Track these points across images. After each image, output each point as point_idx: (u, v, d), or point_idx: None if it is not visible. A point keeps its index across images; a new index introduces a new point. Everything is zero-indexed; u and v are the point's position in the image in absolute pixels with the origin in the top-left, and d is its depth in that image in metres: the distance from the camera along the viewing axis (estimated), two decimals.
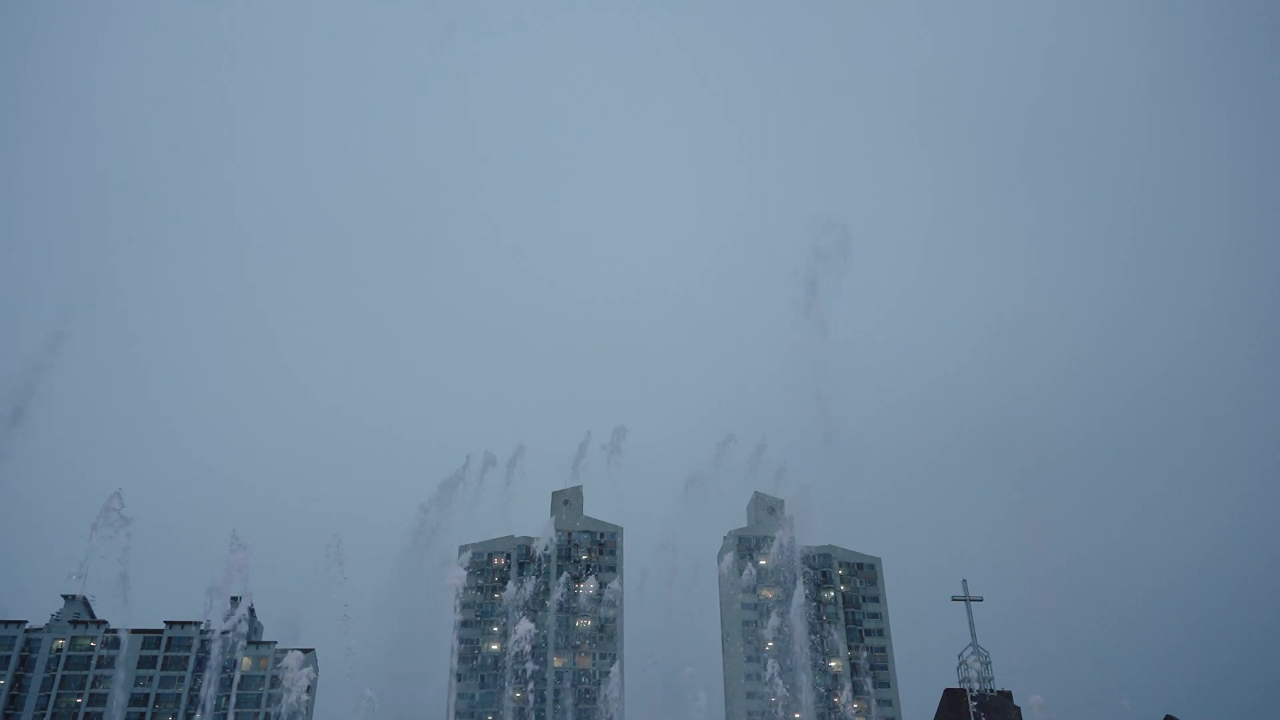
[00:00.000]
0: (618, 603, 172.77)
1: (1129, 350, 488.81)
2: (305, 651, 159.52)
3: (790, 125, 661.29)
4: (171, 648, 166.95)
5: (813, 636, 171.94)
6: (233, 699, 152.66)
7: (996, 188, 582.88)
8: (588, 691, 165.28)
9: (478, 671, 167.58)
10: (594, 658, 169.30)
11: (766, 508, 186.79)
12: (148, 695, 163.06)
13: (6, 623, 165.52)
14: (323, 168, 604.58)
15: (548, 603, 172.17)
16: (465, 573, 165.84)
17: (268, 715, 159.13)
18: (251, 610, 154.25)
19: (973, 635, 73.26)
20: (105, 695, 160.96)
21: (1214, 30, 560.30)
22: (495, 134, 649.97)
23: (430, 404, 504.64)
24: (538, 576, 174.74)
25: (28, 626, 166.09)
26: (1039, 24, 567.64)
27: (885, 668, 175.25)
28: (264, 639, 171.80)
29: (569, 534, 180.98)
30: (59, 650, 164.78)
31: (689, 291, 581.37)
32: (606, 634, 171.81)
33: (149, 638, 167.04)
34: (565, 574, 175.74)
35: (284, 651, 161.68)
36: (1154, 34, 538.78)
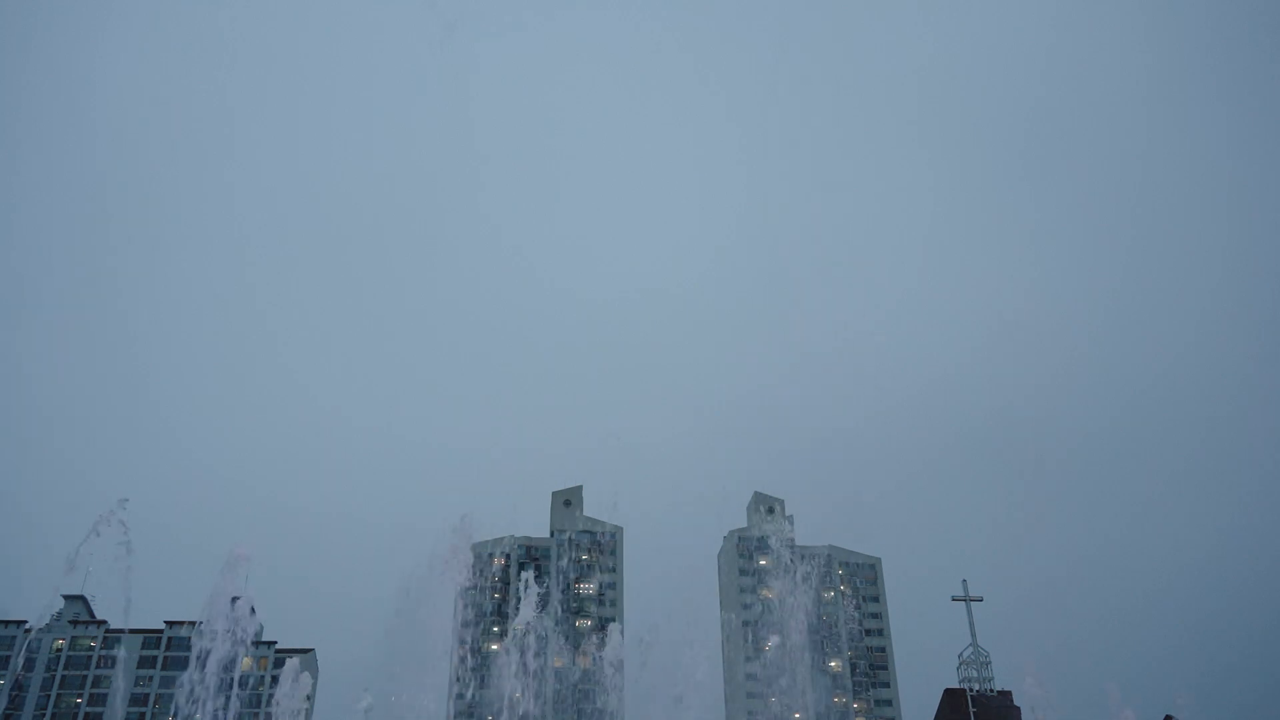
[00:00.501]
0: (618, 603, 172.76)
1: (1129, 350, 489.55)
2: (304, 652, 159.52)
3: (790, 125, 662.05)
4: (171, 648, 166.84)
5: (813, 637, 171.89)
6: (233, 699, 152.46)
7: (996, 188, 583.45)
8: (588, 692, 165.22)
9: (478, 671, 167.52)
10: (594, 657, 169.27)
11: (766, 508, 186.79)
12: (148, 695, 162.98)
13: (6, 623, 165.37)
14: (323, 168, 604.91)
15: (548, 603, 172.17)
16: (465, 573, 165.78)
17: (268, 715, 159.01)
18: (252, 610, 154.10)
19: (973, 635, 73.12)
20: (105, 695, 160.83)
21: (1214, 30, 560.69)
22: (495, 134, 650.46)
23: (430, 404, 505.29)
24: (538, 576, 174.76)
25: (27, 626, 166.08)
26: (1039, 24, 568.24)
27: (885, 668, 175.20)
28: (264, 639, 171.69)
29: (569, 534, 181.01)
30: (59, 650, 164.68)
31: (689, 291, 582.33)
32: (606, 633, 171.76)
33: (149, 638, 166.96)
34: (565, 574, 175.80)
35: (284, 652, 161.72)
36: (1154, 34, 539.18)
